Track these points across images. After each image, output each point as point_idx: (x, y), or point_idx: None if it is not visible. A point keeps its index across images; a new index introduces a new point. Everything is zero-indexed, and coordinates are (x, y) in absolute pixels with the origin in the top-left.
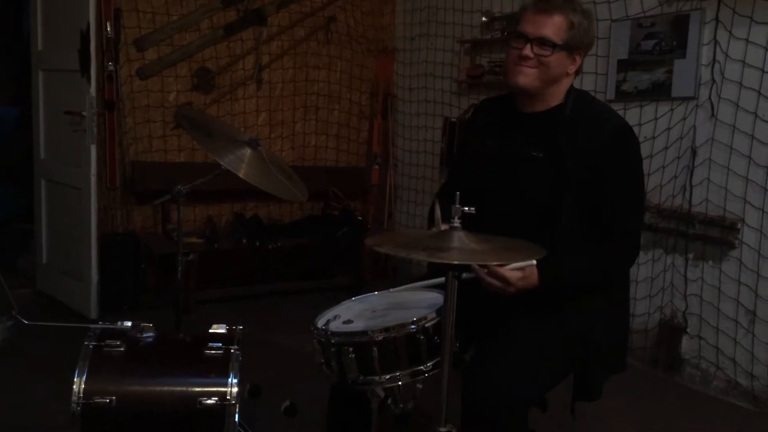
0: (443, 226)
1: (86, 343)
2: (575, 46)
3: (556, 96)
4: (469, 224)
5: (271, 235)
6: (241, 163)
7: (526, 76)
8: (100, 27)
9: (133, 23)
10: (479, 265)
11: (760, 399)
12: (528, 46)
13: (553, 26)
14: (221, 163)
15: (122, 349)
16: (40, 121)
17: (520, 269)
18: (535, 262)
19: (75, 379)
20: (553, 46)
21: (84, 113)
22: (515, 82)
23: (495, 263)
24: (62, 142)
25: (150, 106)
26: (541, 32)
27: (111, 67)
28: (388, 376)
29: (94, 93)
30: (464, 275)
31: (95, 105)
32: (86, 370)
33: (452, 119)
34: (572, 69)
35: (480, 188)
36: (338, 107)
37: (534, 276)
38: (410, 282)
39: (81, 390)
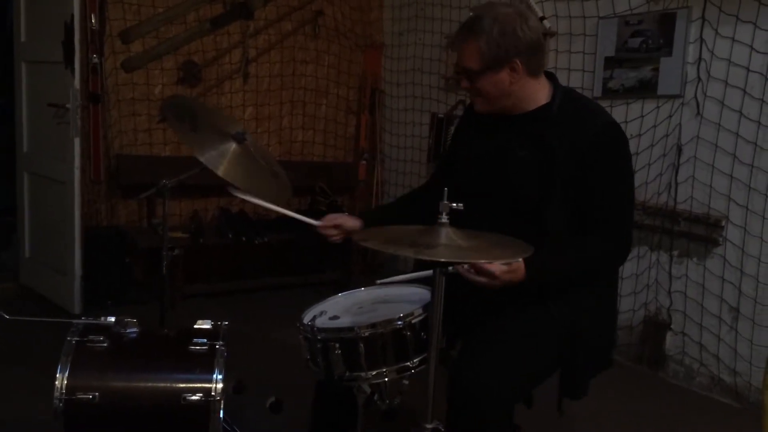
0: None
1: (69, 338)
2: (500, 59)
3: (537, 98)
4: (457, 222)
5: (257, 230)
6: (222, 160)
7: (479, 104)
8: (84, 18)
9: (119, 15)
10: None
11: (742, 395)
12: (463, 79)
13: (466, 56)
14: (201, 159)
15: (105, 344)
16: (23, 114)
17: (506, 263)
18: (520, 259)
19: (57, 375)
20: (473, 73)
21: (68, 106)
22: (476, 110)
23: (482, 262)
24: (46, 135)
25: (135, 99)
26: (461, 64)
27: (95, 60)
28: (374, 372)
29: (78, 85)
30: (450, 268)
31: (79, 97)
32: (69, 365)
33: (439, 115)
34: (516, 77)
35: (467, 187)
36: (326, 102)
37: (520, 269)
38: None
39: (63, 386)
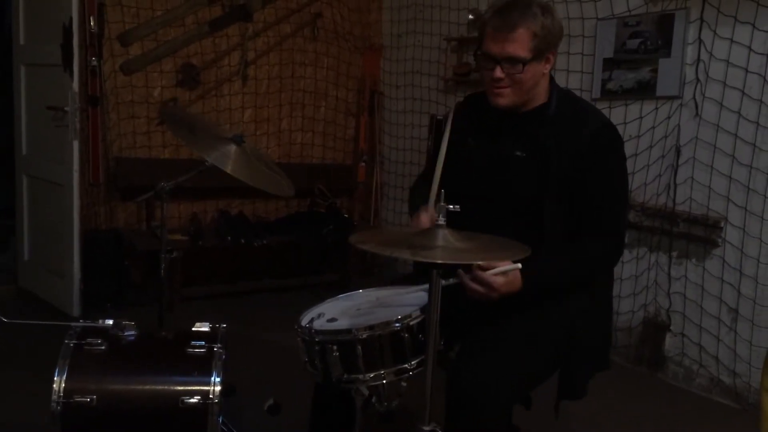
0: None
1: (67, 341)
2: (544, 49)
3: (539, 96)
4: (453, 223)
5: (256, 233)
6: (227, 159)
7: (504, 97)
8: (83, 21)
9: (117, 18)
10: (463, 270)
11: (742, 396)
12: (498, 68)
13: (517, 42)
14: (207, 159)
15: (103, 347)
16: (22, 116)
17: (503, 274)
18: (519, 265)
19: (55, 378)
20: (523, 62)
21: (66, 108)
22: (495, 103)
23: (480, 262)
24: (44, 138)
25: (134, 102)
26: (506, 51)
27: (94, 62)
28: (372, 375)
29: (77, 88)
30: (444, 282)
31: (78, 100)
32: (66, 368)
33: (439, 117)
34: (547, 69)
35: (463, 187)
36: (325, 104)
37: (517, 280)
38: (395, 280)
39: (61, 389)
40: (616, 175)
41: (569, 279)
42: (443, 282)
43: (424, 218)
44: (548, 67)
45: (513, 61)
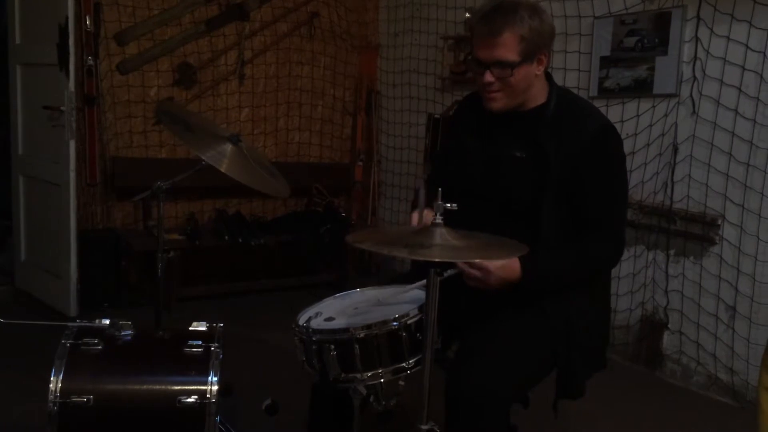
0: (427, 214)
1: (63, 341)
2: (534, 51)
3: (537, 96)
4: (450, 222)
5: (254, 232)
6: (222, 158)
7: (496, 101)
8: (79, 21)
9: (114, 17)
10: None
11: (739, 394)
12: (488, 72)
13: (504, 46)
14: (203, 157)
15: (100, 347)
16: (18, 116)
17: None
18: (517, 258)
19: (51, 378)
20: (511, 65)
21: (63, 108)
22: (489, 108)
23: (477, 261)
24: (41, 138)
25: (131, 101)
26: (494, 56)
27: (90, 62)
28: (369, 374)
29: (73, 88)
30: (446, 273)
31: (74, 100)
32: (63, 368)
33: (436, 116)
34: (540, 69)
35: (462, 187)
36: (321, 103)
37: (516, 266)
38: (393, 279)
39: (57, 389)
40: (616, 176)
41: (568, 276)
42: (443, 272)
43: (415, 217)
44: (541, 68)
45: (501, 65)
